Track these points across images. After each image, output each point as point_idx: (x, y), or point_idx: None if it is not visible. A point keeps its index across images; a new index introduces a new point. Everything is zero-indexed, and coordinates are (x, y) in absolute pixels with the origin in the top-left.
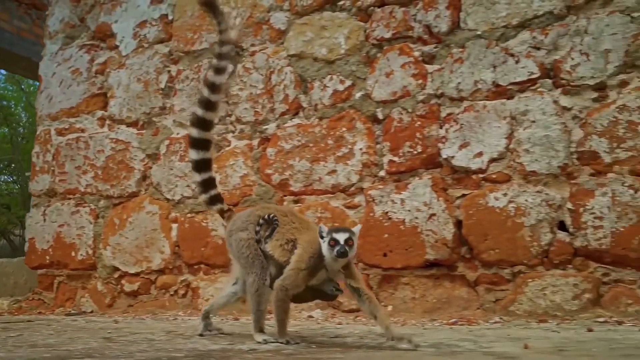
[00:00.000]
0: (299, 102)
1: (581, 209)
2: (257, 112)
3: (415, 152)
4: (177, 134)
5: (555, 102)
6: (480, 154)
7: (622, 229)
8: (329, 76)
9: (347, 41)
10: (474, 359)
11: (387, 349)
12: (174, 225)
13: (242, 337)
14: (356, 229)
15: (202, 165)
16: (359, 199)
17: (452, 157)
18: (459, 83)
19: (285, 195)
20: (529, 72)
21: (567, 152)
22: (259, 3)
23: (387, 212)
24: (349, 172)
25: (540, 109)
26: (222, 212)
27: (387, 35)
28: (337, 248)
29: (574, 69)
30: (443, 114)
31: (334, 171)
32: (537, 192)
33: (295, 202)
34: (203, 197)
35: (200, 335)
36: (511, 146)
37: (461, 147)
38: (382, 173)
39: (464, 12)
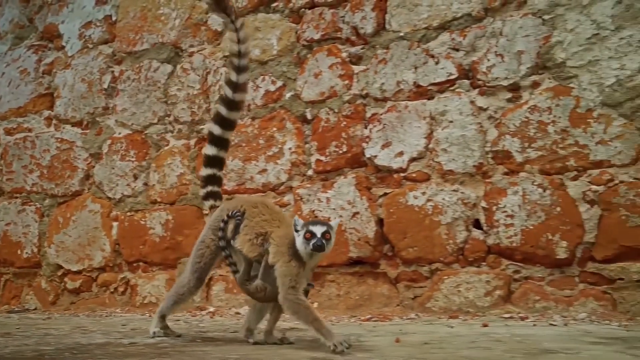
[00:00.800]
0: None
1: (494, 208)
2: (194, 112)
3: (340, 152)
4: (119, 133)
5: (472, 102)
6: (401, 154)
7: (531, 227)
8: (262, 77)
9: (279, 42)
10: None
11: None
12: (115, 224)
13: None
14: (334, 222)
15: (213, 162)
16: (288, 197)
17: (375, 156)
18: (383, 84)
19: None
20: (448, 73)
21: (483, 152)
22: (198, 4)
23: (313, 211)
24: (278, 171)
25: (457, 109)
26: (211, 209)
27: (317, 36)
28: (313, 241)
29: (490, 70)
30: (368, 114)
31: (264, 170)
32: (454, 190)
33: (229, 199)
34: (201, 191)
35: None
36: (430, 146)
37: (383, 146)
38: (310, 172)
39: (389, 14)
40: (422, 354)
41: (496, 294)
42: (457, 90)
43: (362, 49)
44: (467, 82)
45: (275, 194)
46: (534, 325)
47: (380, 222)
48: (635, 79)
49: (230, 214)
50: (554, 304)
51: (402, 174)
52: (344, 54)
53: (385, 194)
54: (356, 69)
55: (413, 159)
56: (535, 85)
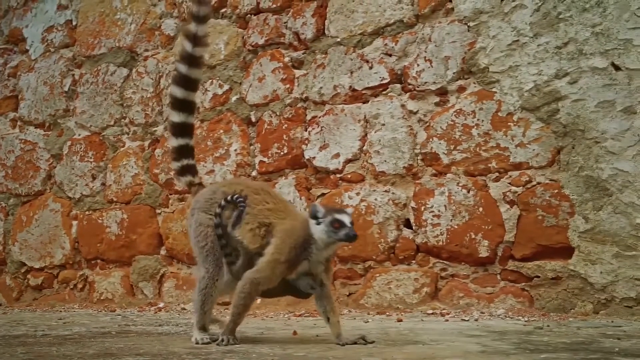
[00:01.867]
0: None
1: (422, 208)
2: (148, 114)
3: (282, 153)
4: (79, 135)
5: (403, 106)
6: (337, 155)
7: (456, 227)
8: (210, 80)
9: (227, 47)
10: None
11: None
12: (74, 222)
13: None
14: (349, 210)
15: (181, 130)
16: None
17: (314, 158)
18: (321, 87)
19: (170, 194)
20: (380, 77)
21: (412, 154)
22: (152, 10)
23: None
24: (225, 172)
25: (389, 112)
26: (190, 186)
27: (261, 41)
28: (344, 231)
29: (419, 75)
30: (308, 117)
31: (212, 171)
32: (385, 191)
33: (180, 200)
34: (175, 165)
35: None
36: (364, 148)
37: (321, 148)
38: (254, 173)
39: (328, 20)
40: (297, 343)
41: (424, 290)
42: (389, 94)
43: (303, 53)
44: (398, 86)
45: None
46: (446, 320)
47: None
48: (552, 84)
49: (230, 198)
50: (477, 300)
51: (338, 175)
52: (287, 59)
53: (323, 194)
54: (297, 73)
55: (348, 161)
56: (461, 89)
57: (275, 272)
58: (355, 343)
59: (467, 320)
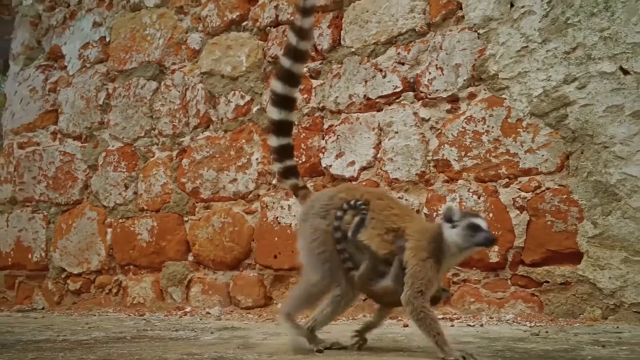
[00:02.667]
0: (209, 116)
1: (434, 214)
2: (175, 125)
3: (300, 162)
4: (113, 146)
5: (415, 113)
6: (352, 163)
7: None
8: (232, 92)
9: (248, 59)
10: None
11: None
12: (109, 230)
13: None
14: (482, 215)
15: (281, 128)
16: (255, 205)
17: (330, 166)
18: (337, 97)
19: (197, 202)
20: (394, 85)
21: (425, 161)
22: (179, 25)
23: (277, 218)
24: (247, 180)
25: (402, 120)
26: (295, 189)
27: (281, 52)
28: (483, 234)
29: (431, 83)
30: (325, 126)
31: (235, 180)
32: (399, 198)
33: (206, 207)
34: (277, 167)
35: (319, 351)
36: (378, 155)
37: (337, 156)
38: (274, 181)
39: (343, 31)
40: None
41: None
42: (402, 102)
43: (320, 64)
44: (411, 94)
45: (245, 202)
46: (452, 325)
47: None
48: (560, 90)
49: (352, 203)
50: (487, 305)
51: (354, 183)
52: (305, 69)
53: None
54: (315, 83)
55: (363, 168)
56: (471, 96)
57: (428, 270)
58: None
59: (473, 326)
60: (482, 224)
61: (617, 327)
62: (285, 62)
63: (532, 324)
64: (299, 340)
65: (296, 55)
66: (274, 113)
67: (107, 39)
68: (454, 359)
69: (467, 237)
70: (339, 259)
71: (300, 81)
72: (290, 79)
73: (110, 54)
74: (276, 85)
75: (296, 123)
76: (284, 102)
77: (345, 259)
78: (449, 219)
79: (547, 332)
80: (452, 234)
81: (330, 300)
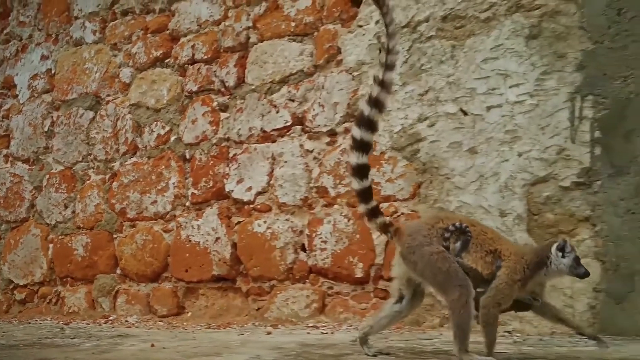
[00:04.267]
0: (136, 144)
1: (314, 234)
2: (107, 151)
3: (208, 186)
4: (55, 169)
5: (302, 145)
6: (250, 188)
7: (339, 251)
8: (155, 122)
9: (169, 93)
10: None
11: None
12: (50, 245)
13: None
14: None
15: (361, 171)
16: (172, 224)
17: (232, 190)
18: (240, 129)
19: (124, 221)
20: (285, 120)
21: (308, 187)
22: (113, 60)
23: (188, 236)
24: (165, 202)
25: (291, 151)
26: (384, 227)
27: (195, 88)
28: (582, 269)
29: (315, 118)
30: (230, 155)
31: (155, 201)
32: (286, 220)
33: (131, 226)
34: (363, 208)
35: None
36: (271, 182)
37: (238, 182)
38: (187, 203)
39: (247, 70)
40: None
41: (313, 306)
42: (291, 135)
43: (228, 99)
44: (299, 128)
45: (163, 221)
46: (308, 333)
47: (234, 245)
48: (414, 127)
49: (458, 226)
50: (353, 315)
51: (251, 206)
52: (215, 103)
53: (239, 222)
54: (222, 116)
55: (259, 193)
56: (346, 131)
57: (512, 290)
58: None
59: (308, 333)
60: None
61: (441, 334)
62: (366, 110)
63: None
64: None
65: (377, 104)
66: (353, 157)
67: (53, 71)
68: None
69: (572, 267)
70: (459, 268)
71: (378, 128)
72: (369, 125)
73: (55, 85)
74: (356, 132)
75: (206, 152)
76: (363, 147)
77: None
78: (562, 249)
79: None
80: (562, 262)
81: (388, 310)
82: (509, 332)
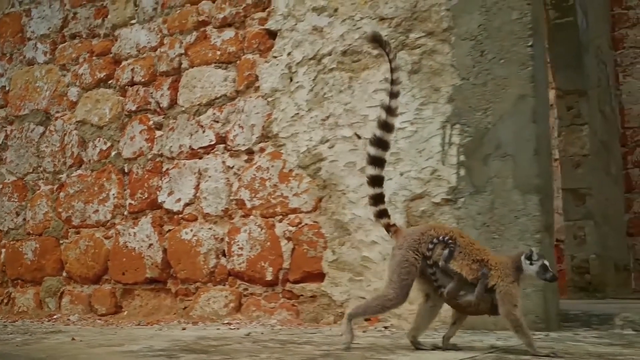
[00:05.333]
0: (81, 158)
1: (232, 242)
2: (55, 164)
3: (144, 198)
4: (8, 180)
5: (224, 162)
6: (179, 200)
7: (252, 256)
8: (98, 138)
9: (111, 112)
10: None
11: None
12: (3, 250)
13: None
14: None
15: (375, 181)
16: (112, 231)
17: (164, 201)
18: (171, 146)
19: (69, 228)
20: (210, 139)
21: (228, 200)
22: (62, 79)
23: (126, 242)
24: (106, 211)
25: (214, 167)
26: (387, 227)
27: (134, 108)
28: (550, 274)
29: (235, 138)
30: (163, 169)
31: (97, 210)
32: (209, 228)
33: (76, 233)
34: (373, 210)
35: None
36: (197, 194)
37: (169, 194)
38: (125, 212)
39: (179, 92)
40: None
41: (231, 305)
42: (215, 152)
43: (162, 118)
44: (222, 146)
45: (104, 229)
46: (231, 329)
47: (165, 251)
48: (317, 148)
49: (441, 239)
50: (263, 313)
51: (180, 215)
52: (151, 122)
53: (169, 230)
54: (157, 134)
55: (186, 204)
56: (261, 150)
57: (516, 289)
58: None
59: (218, 329)
60: (548, 264)
61: (331, 329)
62: (378, 132)
63: (276, 327)
64: (348, 341)
65: (385, 127)
66: (370, 169)
67: (7, 88)
68: (541, 355)
69: (540, 273)
70: (412, 283)
71: (389, 146)
72: (381, 144)
73: (9, 101)
74: (371, 150)
75: (142, 166)
76: (377, 162)
77: (435, 279)
78: (529, 257)
79: (262, 333)
80: (530, 269)
81: (424, 310)
82: (386, 327)
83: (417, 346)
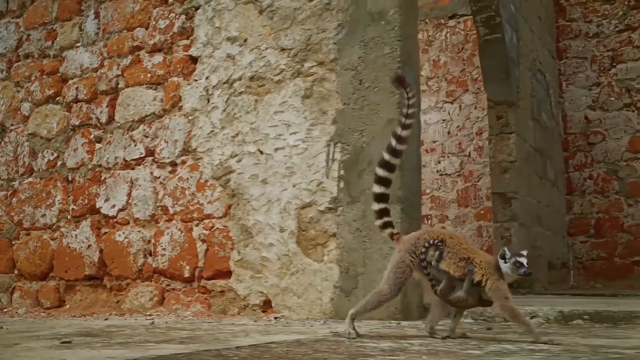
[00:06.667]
0: (32, 167)
1: (157, 243)
2: (9, 172)
3: (84, 204)
4: None
5: (152, 173)
6: (114, 206)
7: (174, 256)
8: (46, 149)
9: (57, 126)
10: None
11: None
12: None
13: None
14: (525, 252)
15: (381, 198)
16: (57, 234)
17: (101, 207)
18: (108, 158)
19: (21, 230)
20: (140, 152)
21: (155, 206)
22: (16, 95)
23: (68, 243)
24: (52, 215)
25: (144, 177)
26: (391, 235)
27: (77, 122)
28: (523, 269)
29: (162, 151)
30: (102, 178)
31: (44, 214)
32: (139, 231)
33: (26, 234)
34: (378, 223)
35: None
36: (129, 201)
37: (105, 200)
38: (69, 217)
39: (116, 109)
40: None
41: (155, 299)
42: (145, 164)
43: (102, 132)
44: (150, 158)
45: (50, 231)
46: (151, 321)
47: (101, 251)
48: (228, 162)
49: (432, 242)
50: (182, 306)
51: (114, 220)
52: (92, 136)
53: (106, 232)
54: (97, 146)
55: (120, 210)
56: (183, 162)
57: (502, 283)
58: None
59: (135, 320)
60: (524, 261)
61: (234, 321)
62: (387, 156)
63: (174, 318)
64: (354, 335)
65: (394, 153)
66: (376, 188)
67: None
68: (538, 335)
69: (514, 269)
70: (406, 282)
71: (395, 169)
72: (389, 167)
73: None
74: (379, 171)
75: (83, 175)
76: (383, 182)
77: (430, 279)
78: (502, 256)
79: (166, 322)
80: (505, 267)
81: (436, 304)
82: (276, 317)
83: (433, 336)
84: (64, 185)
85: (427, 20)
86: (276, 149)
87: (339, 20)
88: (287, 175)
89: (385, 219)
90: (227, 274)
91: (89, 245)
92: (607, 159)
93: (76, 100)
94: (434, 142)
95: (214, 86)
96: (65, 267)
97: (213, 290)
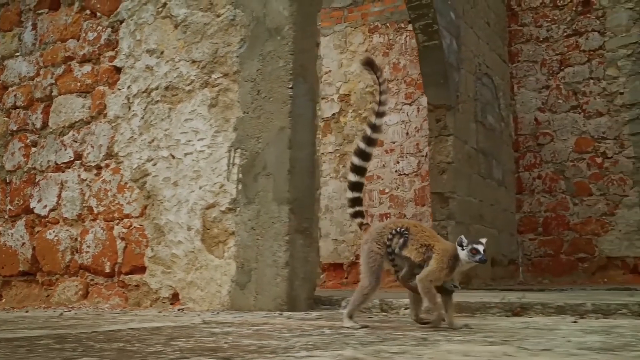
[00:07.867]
0: None
1: (83, 241)
2: None
3: (20, 204)
4: None
5: (79, 175)
6: (45, 206)
7: (97, 253)
8: None
9: None
10: None
11: None
12: None
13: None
14: (484, 241)
15: (356, 187)
16: None
17: (34, 207)
18: (42, 161)
19: None
20: (70, 156)
21: (82, 206)
22: None
23: (5, 241)
24: None
25: (72, 179)
26: (360, 225)
27: (15, 128)
28: (479, 256)
29: (88, 155)
30: (36, 180)
31: None
32: (67, 230)
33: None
34: (350, 211)
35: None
36: (59, 202)
37: (38, 201)
38: (6, 216)
39: (50, 116)
40: None
41: (80, 293)
42: (73, 167)
43: (37, 137)
44: (78, 162)
45: None
46: (53, 311)
47: (34, 248)
48: (145, 166)
49: (397, 230)
50: (102, 299)
51: (46, 219)
52: (28, 140)
53: (38, 231)
54: (33, 150)
55: (51, 210)
56: (107, 166)
57: (440, 275)
58: (461, 328)
59: (54, 311)
60: (480, 248)
61: (142, 312)
62: (362, 145)
63: (107, 311)
64: (359, 326)
65: (369, 142)
66: (351, 176)
67: None
68: (439, 321)
69: (470, 256)
70: (381, 269)
71: (371, 158)
72: (364, 155)
73: None
74: (354, 160)
75: (19, 177)
76: (359, 170)
77: (394, 265)
78: (460, 244)
79: (75, 314)
80: (462, 254)
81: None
82: (182, 309)
83: (421, 323)
84: (2, 187)
85: (387, 24)
86: (186, 154)
87: (242, 35)
88: (195, 178)
89: (357, 208)
90: (142, 269)
91: (23, 243)
92: (554, 159)
93: (15, 107)
94: (394, 142)
95: (134, 95)
96: (2, 263)
97: (130, 285)
